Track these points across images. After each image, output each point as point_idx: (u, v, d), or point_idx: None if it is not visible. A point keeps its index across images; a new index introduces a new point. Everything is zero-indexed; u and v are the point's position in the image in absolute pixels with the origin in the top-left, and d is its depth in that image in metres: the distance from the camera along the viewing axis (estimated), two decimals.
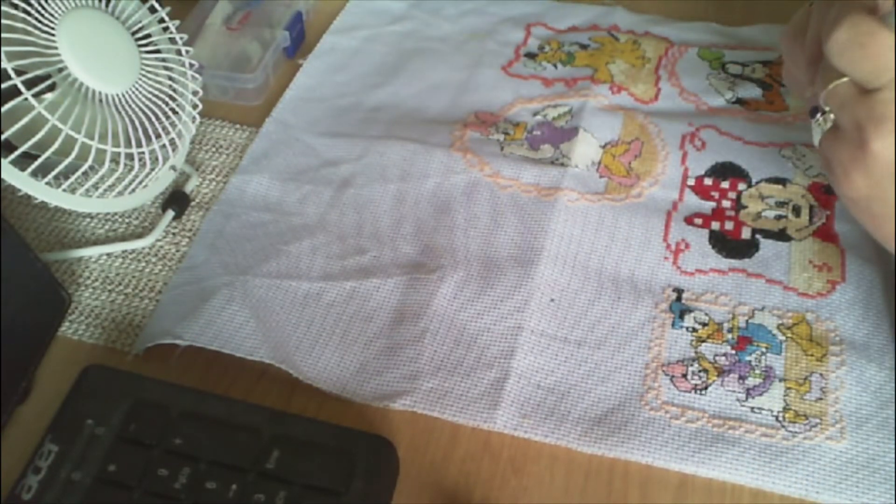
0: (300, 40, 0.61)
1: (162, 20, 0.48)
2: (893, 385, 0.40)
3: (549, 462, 0.39)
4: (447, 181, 0.51)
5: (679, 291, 0.45)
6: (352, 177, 0.52)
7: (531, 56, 0.60)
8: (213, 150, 0.54)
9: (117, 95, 0.45)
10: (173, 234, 0.49)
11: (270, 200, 0.51)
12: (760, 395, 0.40)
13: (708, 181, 0.50)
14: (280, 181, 0.52)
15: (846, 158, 0.35)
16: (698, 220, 0.48)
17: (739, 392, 0.41)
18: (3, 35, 0.40)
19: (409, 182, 0.51)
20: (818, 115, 0.37)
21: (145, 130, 0.46)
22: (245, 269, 0.47)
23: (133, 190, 0.47)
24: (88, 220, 0.50)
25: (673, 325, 0.44)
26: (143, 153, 0.46)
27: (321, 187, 0.51)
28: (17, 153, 0.41)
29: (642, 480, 0.38)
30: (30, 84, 0.40)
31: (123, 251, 0.48)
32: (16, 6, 0.41)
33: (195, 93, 0.50)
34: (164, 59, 0.49)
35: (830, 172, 0.37)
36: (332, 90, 0.58)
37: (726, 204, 0.49)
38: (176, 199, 0.50)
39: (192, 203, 0.51)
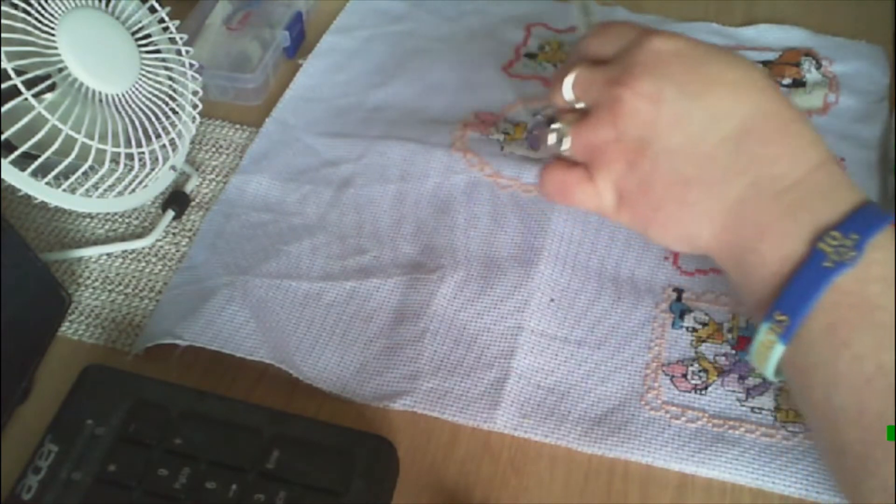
0: (300, 40, 0.61)
1: (162, 20, 0.48)
2: None
3: (549, 462, 0.39)
4: (447, 181, 0.51)
5: (679, 291, 0.45)
6: (352, 177, 0.52)
7: (531, 56, 0.60)
8: (213, 150, 0.54)
9: (117, 95, 0.45)
10: (173, 234, 0.49)
11: (270, 200, 0.51)
12: (761, 394, 0.40)
13: None
14: (280, 181, 0.52)
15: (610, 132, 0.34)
16: None
17: (739, 392, 0.40)
18: (3, 35, 0.40)
19: (410, 182, 0.51)
20: (554, 123, 0.36)
21: (145, 130, 0.46)
22: (245, 269, 0.47)
23: (133, 190, 0.47)
24: (88, 220, 0.50)
25: (673, 325, 0.43)
26: (143, 153, 0.46)
27: (321, 187, 0.51)
28: (17, 153, 0.41)
29: (642, 480, 0.38)
30: (30, 84, 0.40)
31: (123, 251, 0.48)
32: (16, 6, 0.41)
33: (195, 93, 0.50)
34: (164, 59, 0.48)
35: (602, 161, 0.35)
36: (332, 90, 0.58)
37: None
38: (176, 199, 0.50)
39: (192, 203, 0.51)
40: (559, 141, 0.36)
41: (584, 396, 0.41)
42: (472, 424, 0.40)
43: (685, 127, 0.32)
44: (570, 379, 0.42)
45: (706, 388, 0.41)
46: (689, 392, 0.41)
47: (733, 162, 0.32)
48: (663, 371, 0.41)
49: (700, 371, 0.41)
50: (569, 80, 0.36)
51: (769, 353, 0.31)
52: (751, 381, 0.41)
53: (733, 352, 0.42)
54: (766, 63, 0.57)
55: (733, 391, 0.41)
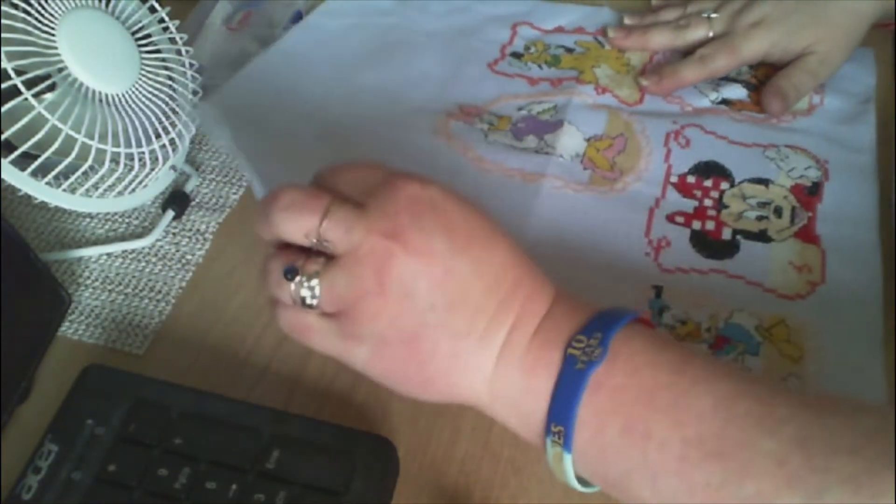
0: None
1: (162, 20, 0.47)
2: (879, 385, 0.39)
3: None
4: (430, 165, 0.49)
5: (658, 289, 0.44)
6: (333, 161, 0.50)
7: (517, 56, 0.58)
8: (213, 150, 0.53)
9: (117, 95, 0.44)
10: (173, 234, 0.48)
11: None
12: None
13: (691, 179, 0.49)
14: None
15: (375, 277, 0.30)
16: (680, 219, 0.47)
17: None
18: (3, 35, 0.39)
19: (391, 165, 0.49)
20: (296, 274, 0.31)
21: (145, 130, 0.45)
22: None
23: (133, 190, 0.46)
24: (88, 220, 0.49)
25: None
26: (143, 153, 0.45)
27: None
28: (17, 153, 0.40)
29: None
30: (30, 84, 0.39)
31: (123, 251, 0.47)
32: (16, 6, 0.40)
33: (195, 93, 0.49)
34: (164, 59, 0.47)
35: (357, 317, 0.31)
36: (315, 62, 0.56)
37: (708, 203, 0.48)
38: (176, 199, 0.49)
39: (192, 203, 0.50)
40: (306, 294, 0.31)
41: None
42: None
43: (453, 281, 0.31)
44: None
45: None
46: None
47: (496, 311, 0.31)
48: None
49: None
50: (324, 215, 0.31)
51: (562, 463, 0.30)
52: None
53: (710, 351, 0.41)
54: (751, 66, 0.56)
55: None
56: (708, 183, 0.49)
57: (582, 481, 0.31)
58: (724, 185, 0.49)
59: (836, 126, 0.52)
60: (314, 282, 0.31)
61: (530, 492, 0.37)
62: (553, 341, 0.31)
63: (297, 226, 0.31)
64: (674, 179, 0.49)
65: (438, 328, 0.31)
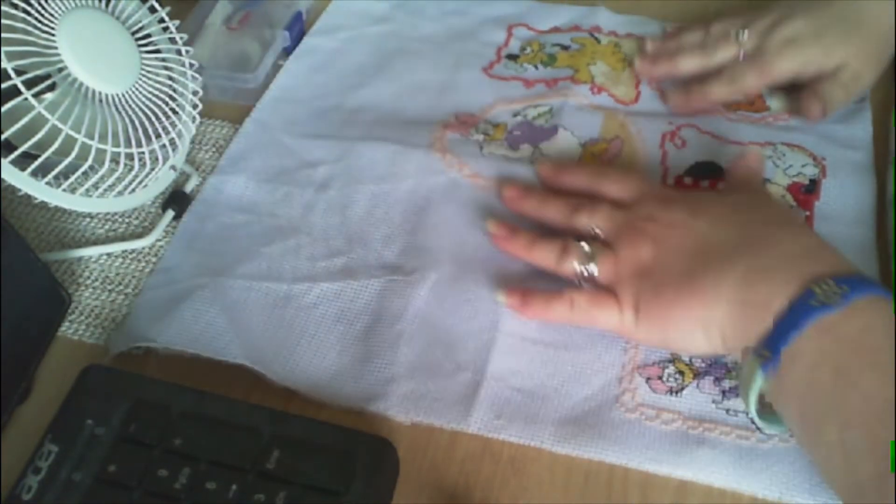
0: (300, 40, 0.59)
1: (162, 20, 0.47)
2: None
3: (549, 462, 0.37)
4: (426, 182, 0.49)
5: None
6: (331, 178, 0.50)
7: (512, 57, 0.58)
8: (213, 150, 0.52)
9: (117, 95, 0.43)
10: (173, 234, 0.47)
11: (248, 202, 0.49)
12: (736, 396, 0.39)
13: (688, 180, 0.49)
14: (257, 182, 0.49)
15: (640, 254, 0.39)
16: None
17: (715, 394, 0.39)
18: (3, 35, 0.39)
19: (388, 183, 0.49)
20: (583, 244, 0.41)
21: (145, 130, 0.45)
22: (220, 270, 0.45)
23: (133, 190, 0.46)
24: (88, 220, 0.48)
25: None
26: (143, 153, 0.44)
27: (300, 189, 0.49)
28: (17, 153, 0.39)
29: (642, 482, 0.37)
30: (30, 84, 0.39)
31: (123, 251, 0.47)
32: (16, 6, 0.39)
33: (195, 93, 0.48)
34: (164, 59, 0.47)
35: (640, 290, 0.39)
36: (312, 91, 0.56)
37: None
38: (176, 199, 0.48)
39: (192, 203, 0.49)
40: (588, 263, 0.40)
41: (559, 398, 0.39)
42: (448, 427, 0.38)
43: (693, 236, 0.38)
44: (546, 381, 0.40)
45: (682, 390, 0.39)
46: (665, 394, 0.39)
47: (736, 247, 0.37)
48: (639, 373, 0.40)
49: (676, 373, 0.40)
50: (599, 215, 0.42)
51: (753, 377, 0.34)
52: (726, 384, 0.39)
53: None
54: None
55: (709, 393, 0.39)
56: (705, 184, 0.48)
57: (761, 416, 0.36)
58: (722, 186, 0.48)
59: (832, 125, 0.52)
60: (592, 251, 0.40)
61: (530, 492, 0.36)
62: (801, 269, 0.34)
63: (587, 217, 0.42)
64: (670, 182, 0.49)
65: (676, 269, 0.38)
